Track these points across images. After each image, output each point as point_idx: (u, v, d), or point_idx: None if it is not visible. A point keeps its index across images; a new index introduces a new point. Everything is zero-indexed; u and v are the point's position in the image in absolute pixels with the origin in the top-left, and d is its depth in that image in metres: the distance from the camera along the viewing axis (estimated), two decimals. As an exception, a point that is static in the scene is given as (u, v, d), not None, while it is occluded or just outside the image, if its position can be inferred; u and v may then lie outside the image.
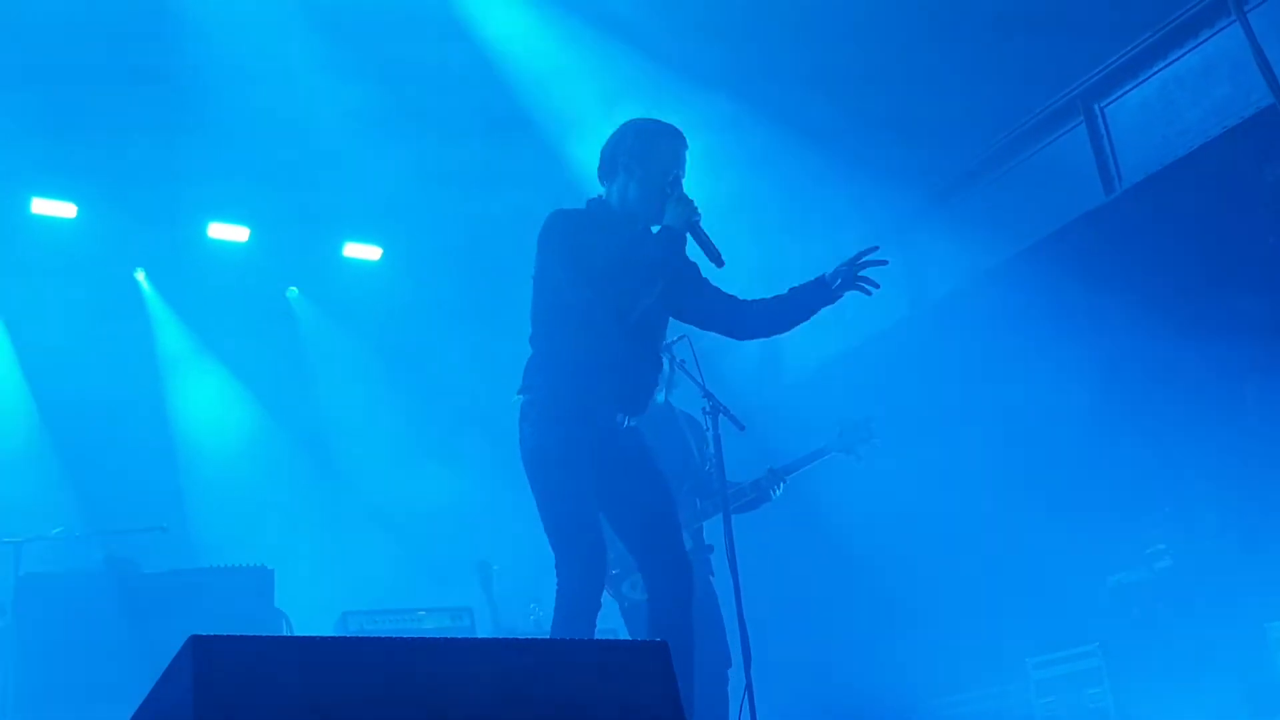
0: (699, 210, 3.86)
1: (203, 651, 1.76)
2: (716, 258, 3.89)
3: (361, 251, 8.63)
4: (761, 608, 4.39)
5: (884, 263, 4.00)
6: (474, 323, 8.09)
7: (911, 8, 6.20)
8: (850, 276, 4.00)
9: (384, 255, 8.65)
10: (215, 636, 1.79)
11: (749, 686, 3.93)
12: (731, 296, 4.12)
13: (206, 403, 8.44)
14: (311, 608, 6.22)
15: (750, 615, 4.03)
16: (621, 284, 3.80)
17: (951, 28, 6.18)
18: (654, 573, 3.82)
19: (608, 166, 4.07)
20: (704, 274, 4.12)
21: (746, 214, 4.10)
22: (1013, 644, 6.13)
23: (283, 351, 8.65)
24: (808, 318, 4.09)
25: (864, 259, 4.00)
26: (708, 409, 4.34)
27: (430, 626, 6.02)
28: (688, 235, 3.83)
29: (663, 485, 3.92)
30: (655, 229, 3.89)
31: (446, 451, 8.48)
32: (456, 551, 7.47)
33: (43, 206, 7.56)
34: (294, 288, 8.83)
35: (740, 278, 4.16)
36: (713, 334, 4.32)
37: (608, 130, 4.15)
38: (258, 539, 7.18)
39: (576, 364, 3.84)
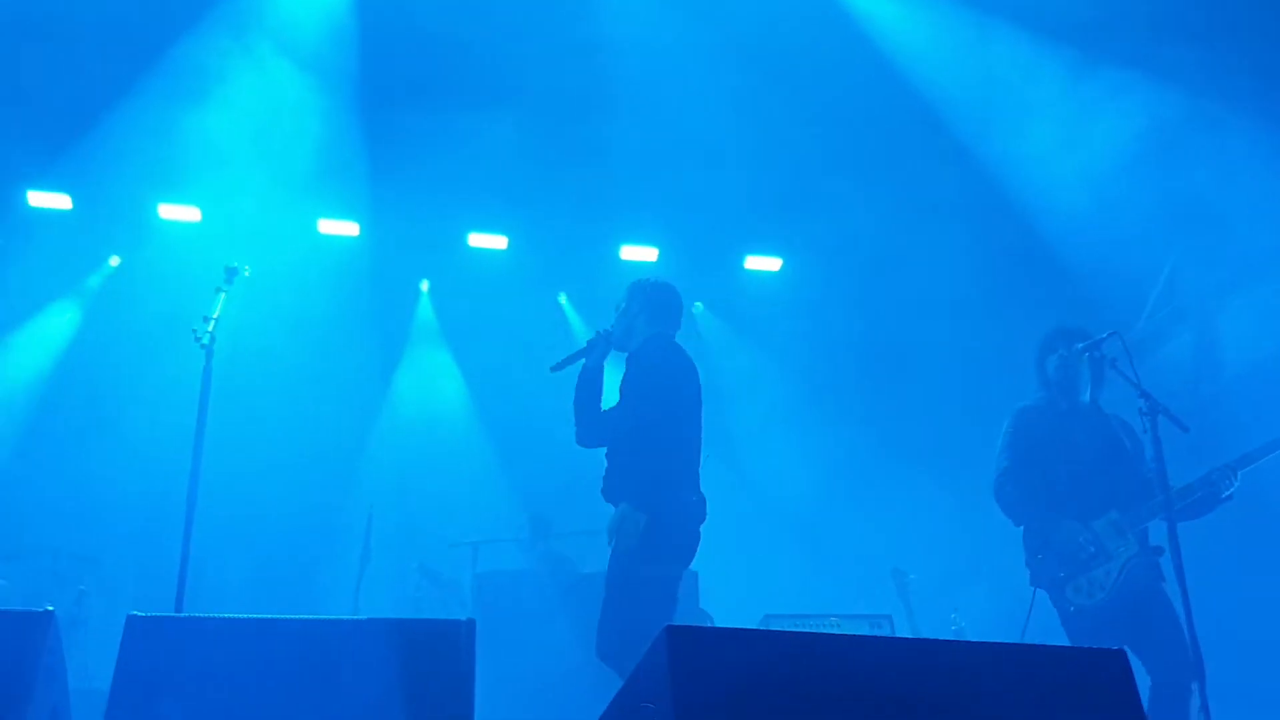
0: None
1: (677, 641, 1.91)
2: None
3: (760, 264, 8.91)
4: (1217, 619, 4.05)
5: None
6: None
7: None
8: None
9: (783, 266, 8.85)
10: (687, 627, 1.94)
11: (1204, 707, 3.66)
12: None
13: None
14: (730, 609, 6.43)
15: (1205, 627, 3.73)
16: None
17: None
18: None
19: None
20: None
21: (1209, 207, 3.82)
22: None
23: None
24: None
25: None
26: (1144, 409, 4.04)
27: (848, 632, 6.01)
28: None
29: None
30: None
31: (865, 465, 8.46)
32: (868, 559, 7.43)
33: (479, 241, 8.49)
34: (699, 303, 9.19)
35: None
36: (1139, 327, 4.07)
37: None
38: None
39: (672, 505, 4.14)
